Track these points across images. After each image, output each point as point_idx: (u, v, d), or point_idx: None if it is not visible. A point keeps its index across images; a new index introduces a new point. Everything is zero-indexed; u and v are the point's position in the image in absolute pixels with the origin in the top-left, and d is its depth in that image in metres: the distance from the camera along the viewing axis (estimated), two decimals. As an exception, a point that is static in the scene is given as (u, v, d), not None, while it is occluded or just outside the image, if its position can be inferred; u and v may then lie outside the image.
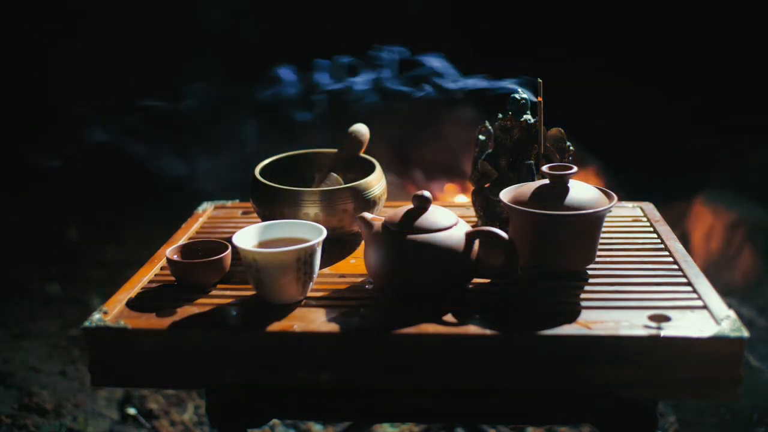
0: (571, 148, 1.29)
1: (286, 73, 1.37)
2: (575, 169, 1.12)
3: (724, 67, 3.45)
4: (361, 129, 1.37)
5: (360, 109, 1.39)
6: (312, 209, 1.22)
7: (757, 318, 2.39)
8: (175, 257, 1.15)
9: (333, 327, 1.01)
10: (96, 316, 1.05)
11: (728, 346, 0.95)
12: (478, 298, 1.08)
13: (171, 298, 1.11)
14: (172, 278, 1.16)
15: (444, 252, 1.04)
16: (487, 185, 1.31)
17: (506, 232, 1.10)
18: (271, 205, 1.24)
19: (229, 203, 1.55)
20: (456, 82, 1.33)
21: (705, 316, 1.00)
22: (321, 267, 1.18)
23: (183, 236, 1.36)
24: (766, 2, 3.32)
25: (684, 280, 1.12)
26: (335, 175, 1.35)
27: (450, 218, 1.08)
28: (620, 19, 3.56)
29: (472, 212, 1.43)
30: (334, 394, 1.09)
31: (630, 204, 1.45)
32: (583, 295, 1.08)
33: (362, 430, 1.69)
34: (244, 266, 1.07)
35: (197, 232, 1.39)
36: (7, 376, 2.20)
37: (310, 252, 1.04)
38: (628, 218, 1.39)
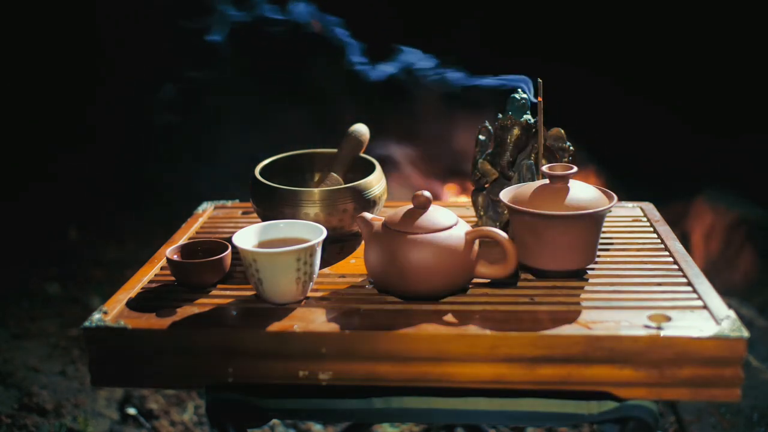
0: (571, 148, 1.29)
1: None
2: (575, 169, 1.12)
3: (726, 68, 3.45)
4: (361, 129, 1.37)
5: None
6: (312, 209, 1.22)
7: (757, 318, 2.39)
8: (175, 257, 1.15)
9: (333, 327, 1.01)
10: (96, 316, 1.05)
11: (728, 346, 0.95)
12: (478, 298, 1.08)
13: (171, 298, 1.11)
14: (172, 278, 1.16)
15: (444, 252, 1.04)
16: (487, 185, 1.31)
17: (506, 232, 1.10)
18: (271, 205, 1.24)
19: (229, 203, 1.55)
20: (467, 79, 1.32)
21: (705, 316, 1.00)
22: (321, 267, 1.18)
23: (183, 236, 1.36)
24: (765, 6, 3.32)
25: (684, 280, 1.12)
26: (335, 175, 1.35)
27: (450, 218, 1.08)
28: (620, 20, 3.56)
29: (472, 212, 1.43)
30: (334, 394, 1.09)
31: (630, 204, 1.45)
32: (583, 295, 1.08)
33: (362, 430, 1.69)
34: (244, 266, 1.07)
35: (197, 232, 1.39)
36: (7, 376, 2.20)
37: (310, 252, 1.04)
38: (628, 218, 1.39)
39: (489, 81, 1.30)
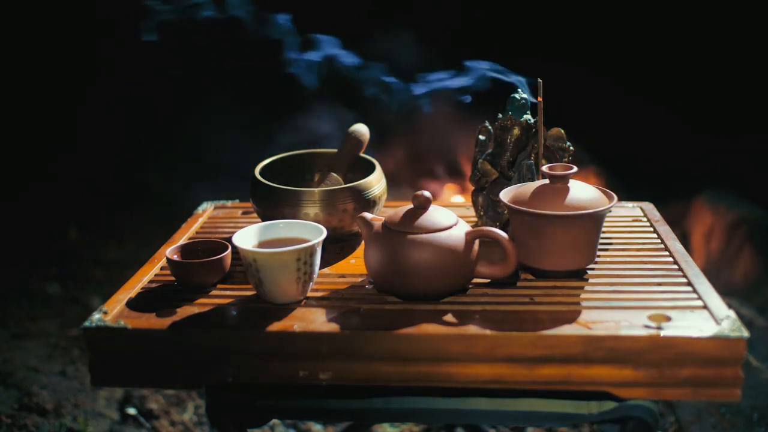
0: (571, 148, 1.29)
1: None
2: (575, 169, 1.12)
3: (726, 68, 3.45)
4: (361, 129, 1.37)
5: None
6: (312, 209, 1.22)
7: (757, 318, 2.39)
8: (175, 257, 1.15)
9: (333, 327, 1.01)
10: (96, 316, 1.05)
11: (728, 346, 0.95)
12: (478, 298, 1.08)
13: (171, 298, 1.11)
14: (172, 278, 1.16)
15: (444, 252, 1.04)
16: (487, 185, 1.31)
17: (506, 232, 1.10)
18: (271, 205, 1.24)
19: (229, 203, 1.55)
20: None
21: (705, 316, 1.00)
22: (321, 267, 1.18)
23: (183, 236, 1.36)
24: (765, 6, 3.32)
25: (684, 280, 1.12)
26: (335, 175, 1.35)
27: (450, 218, 1.08)
28: (620, 20, 3.56)
29: (472, 212, 1.43)
30: (334, 394, 1.09)
31: (630, 204, 1.45)
32: (583, 295, 1.08)
33: (362, 430, 1.69)
34: (244, 266, 1.07)
35: (197, 232, 1.39)
36: (7, 376, 2.20)
37: (310, 252, 1.04)
38: (628, 218, 1.39)
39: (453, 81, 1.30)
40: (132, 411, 2.08)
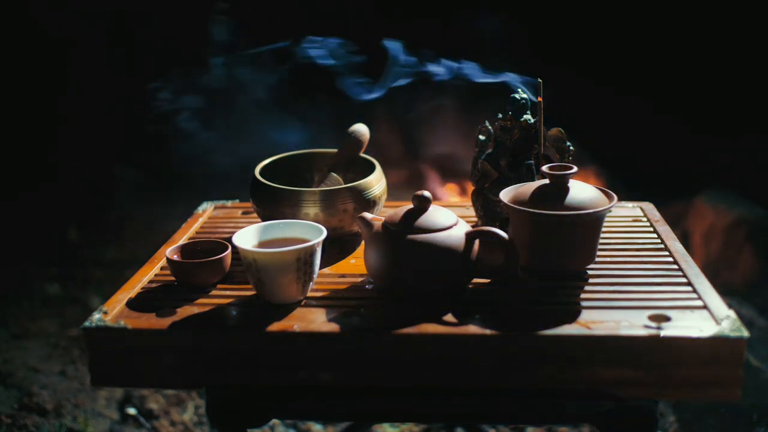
0: (571, 148, 1.29)
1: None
2: (575, 169, 1.12)
3: (725, 68, 3.45)
4: (361, 129, 1.37)
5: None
6: (312, 209, 1.22)
7: (757, 318, 2.39)
8: (175, 257, 1.15)
9: (333, 327, 1.01)
10: (96, 316, 1.05)
11: (728, 346, 0.95)
12: (478, 298, 1.08)
13: (171, 298, 1.11)
14: (172, 278, 1.16)
15: (444, 252, 1.04)
16: (487, 185, 1.31)
17: (506, 232, 1.10)
18: (271, 205, 1.24)
19: (229, 203, 1.55)
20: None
21: (705, 316, 1.00)
22: (321, 267, 1.18)
23: (183, 236, 1.36)
24: (764, 6, 3.32)
25: (684, 280, 1.12)
26: (335, 175, 1.36)
27: (450, 218, 1.08)
28: (620, 20, 3.56)
29: (472, 212, 1.43)
30: (334, 394, 1.09)
31: (630, 204, 1.45)
32: (583, 295, 1.08)
33: (362, 430, 1.69)
34: (244, 266, 1.07)
35: (197, 232, 1.39)
36: (7, 376, 2.20)
37: (310, 252, 1.04)
38: (628, 218, 1.39)
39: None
40: (132, 411, 2.08)
